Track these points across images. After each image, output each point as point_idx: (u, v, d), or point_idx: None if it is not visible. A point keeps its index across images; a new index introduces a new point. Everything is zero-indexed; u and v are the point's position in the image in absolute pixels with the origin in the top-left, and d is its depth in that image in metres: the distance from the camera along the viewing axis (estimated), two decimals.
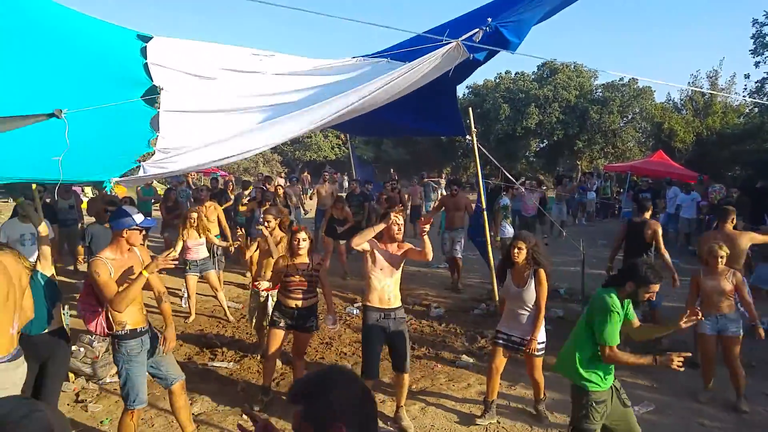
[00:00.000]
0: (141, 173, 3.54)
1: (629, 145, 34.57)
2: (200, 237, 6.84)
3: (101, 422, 4.44)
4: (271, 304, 5.42)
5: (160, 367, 3.82)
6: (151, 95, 4.08)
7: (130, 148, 3.78)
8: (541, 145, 37.93)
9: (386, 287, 4.36)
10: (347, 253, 9.61)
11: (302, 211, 12.56)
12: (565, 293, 8.29)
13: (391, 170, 21.10)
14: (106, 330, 3.56)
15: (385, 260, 4.35)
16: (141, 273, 3.49)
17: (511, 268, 4.42)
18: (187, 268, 6.85)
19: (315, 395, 1.34)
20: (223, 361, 5.67)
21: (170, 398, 3.95)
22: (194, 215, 6.82)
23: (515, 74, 37.14)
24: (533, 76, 36.25)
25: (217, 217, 8.40)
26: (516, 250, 4.30)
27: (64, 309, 5.40)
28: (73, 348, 5.21)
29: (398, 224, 4.40)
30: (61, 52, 3.99)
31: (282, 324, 4.66)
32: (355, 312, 7.33)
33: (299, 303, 4.61)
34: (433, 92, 6.17)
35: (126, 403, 3.62)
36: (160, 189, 15.13)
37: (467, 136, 7.02)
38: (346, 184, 16.78)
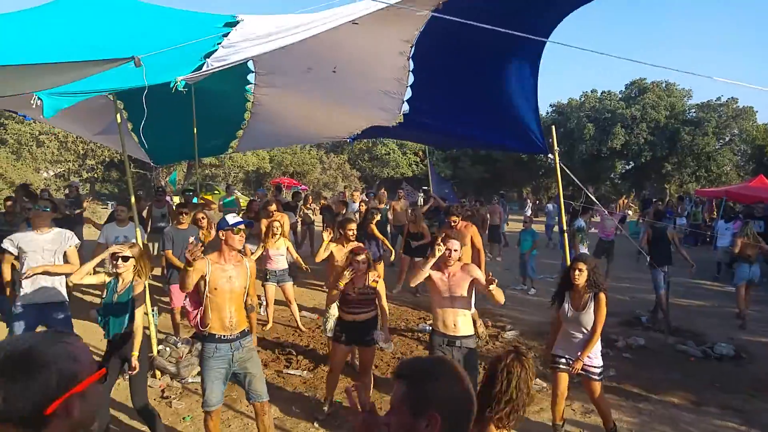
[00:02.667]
0: (204, 68, 3.63)
1: (725, 168, 32.50)
2: (280, 247, 7.05)
3: (183, 418, 4.68)
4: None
5: (246, 381, 3.85)
6: (231, 23, 4.38)
7: (199, 49, 3.95)
8: (627, 167, 36.47)
9: (448, 312, 4.18)
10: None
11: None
12: (647, 321, 7.86)
13: (453, 187, 20.66)
14: (200, 327, 3.76)
15: (443, 287, 4.20)
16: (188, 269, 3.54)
17: (570, 291, 4.28)
18: (267, 277, 7.08)
19: (417, 379, 1.38)
20: (297, 369, 5.81)
21: (255, 414, 3.99)
22: (276, 225, 7.05)
23: (601, 93, 36.05)
24: (620, 96, 35.03)
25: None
26: (576, 272, 4.16)
27: (154, 309, 5.78)
28: (159, 347, 5.55)
29: (449, 250, 4.14)
30: (158, 24, 4.60)
31: (343, 338, 4.72)
32: (427, 328, 7.28)
33: (356, 318, 4.69)
34: (513, 102, 6.05)
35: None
36: (243, 201, 15.76)
37: (549, 155, 6.85)
38: (421, 201, 16.72)
